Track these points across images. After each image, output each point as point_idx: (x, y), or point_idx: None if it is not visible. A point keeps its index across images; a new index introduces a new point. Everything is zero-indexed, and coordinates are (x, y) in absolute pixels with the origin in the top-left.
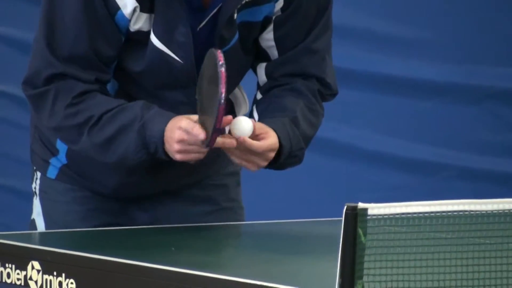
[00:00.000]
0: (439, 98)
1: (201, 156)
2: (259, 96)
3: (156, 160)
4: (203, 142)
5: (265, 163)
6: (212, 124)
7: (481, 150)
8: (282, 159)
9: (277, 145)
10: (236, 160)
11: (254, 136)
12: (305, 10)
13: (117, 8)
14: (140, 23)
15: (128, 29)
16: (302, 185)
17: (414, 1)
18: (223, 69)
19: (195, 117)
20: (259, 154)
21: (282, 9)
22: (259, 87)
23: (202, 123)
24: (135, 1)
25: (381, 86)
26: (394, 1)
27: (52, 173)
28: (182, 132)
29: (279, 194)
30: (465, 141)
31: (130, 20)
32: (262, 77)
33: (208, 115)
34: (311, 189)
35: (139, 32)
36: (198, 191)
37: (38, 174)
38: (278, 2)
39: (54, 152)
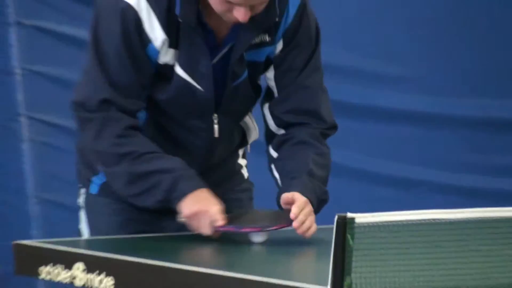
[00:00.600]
0: (417, 125)
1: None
2: (273, 153)
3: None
4: (214, 226)
5: (309, 218)
6: (239, 224)
7: (452, 168)
8: (315, 208)
9: (304, 202)
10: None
11: (285, 205)
12: (299, 51)
13: (149, 40)
14: (167, 57)
15: (157, 62)
16: None
17: (395, 44)
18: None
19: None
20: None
21: (281, 50)
22: (268, 140)
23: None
24: (164, 35)
25: (368, 115)
26: (378, 44)
27: (94, 189)
28: (207, 213)
29: None
30: (439, 161)
31: (159, 53)
32: (268, 117)
33: (239, 220)
34: None
35: (166, 66)
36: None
37: (83, 190)
38: (278, 44)
39: (95, 172)
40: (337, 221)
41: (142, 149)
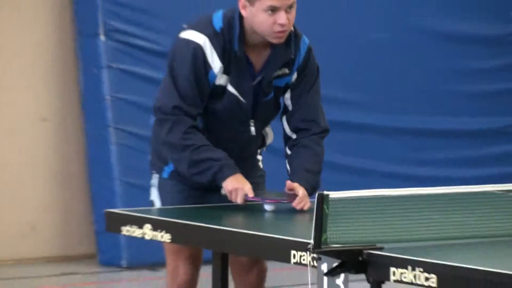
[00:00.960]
0: (368, 135)
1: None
2: (288, 151)
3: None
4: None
5: (305, 199)
6: (264, 197)
7: (397, 162)
8: (309, 192)
9: (303, 190)
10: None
11: (289, 190)
12: (306, 81)
13: (210, 68)
14: (221, 80)
15: (214, 83)
16: None
17: (358, 78)
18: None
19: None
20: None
21: (295, 79)
22: (286, 143)
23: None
24: (221, 64)
25: (342, 127)
26: (347, 79)
27: (165, 174)
28: (240, 193)
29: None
30: (389, 157)
31: (216, 77)
32: (285, 125)
33: (262, 195)
34: None
35: (220, 86)
36: None
37: (156, 175)
38: (293, 75)
39: (166, 162)
40: (317, 197)
41: (199, 143)
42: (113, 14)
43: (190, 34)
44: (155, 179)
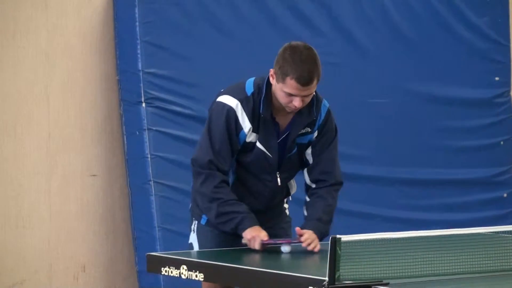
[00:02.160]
0: (371, 185)
1: (256, 247)
2: (307, 199)
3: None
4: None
5: (314, 241)
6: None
7: (393, 207)
8: (319, 237)
9: (310, 233)
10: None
11: (299, 235)
12: (326, 138)
13: (241, 128)
14: (251, 138)
15: (244, 141)
16: None
17: (360, 137)
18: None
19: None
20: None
21: (316, 137)
22: (306, 191)
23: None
24: (250, 125)
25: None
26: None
27: (203, 221)
28: (257, 241)
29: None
30: (386, 203)
31: (246, 135)
32: (306, 176)
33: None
34: None
35: (250, 143)
36: (271, 231)
37: (196, 222)
38: (315, 134)
39: (202, 213)
40: (331, 240)
41: (227, 197)
42: (153, 85)
43: (225, 98)
44: (194, 225)
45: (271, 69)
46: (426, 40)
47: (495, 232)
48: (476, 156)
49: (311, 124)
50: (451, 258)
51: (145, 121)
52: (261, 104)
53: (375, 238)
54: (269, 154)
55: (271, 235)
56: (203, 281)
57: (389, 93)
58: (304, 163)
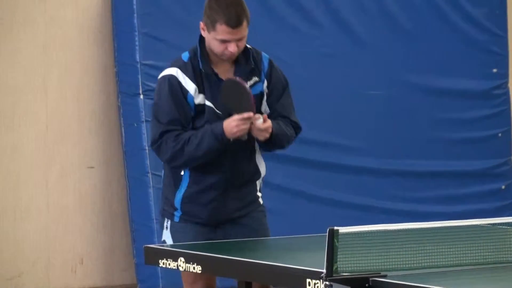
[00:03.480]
0: (368, 176)
1: (246, 128)
2: None
3: (223, 147)
4: (245, 119)
5: (268, 134)
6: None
7: (388, 198)
8: (273, 134)
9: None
10: (256, 134)
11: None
12: (278, 87)
13: (186, 92)
14: (199, 99)
15: (194, 104)
16: (305, 216)
17: (357, 129)
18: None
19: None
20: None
21: (267, 87)
22: None
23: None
24: (194, 85)
25: (341, 169)
26: (347, 130)
27: (176, 219)
28: (235, 119)
29: (288, 222)
30: (381, 194)
31: (194, 97)
32: None
33: (242, 110)
34: (310, 217)
35: (199, 105)
36: (244, 220)
37: (168, 220)
38: (264, 83)
39: (176, 208)
40: (328, 231)
41: (187, 136)
42: (150, 77)
43: (164, 72)
44: (167, 222)
45: (201, 22)
46: (424, 31)
47: (493, 224)
48: (473, 148)
49: (256, 73)
50: (449, 250)
51: (143, 113)
52: (199, 62)
53: (372, 230)
54: (218, 110)
55: (244, 225)
56: (200, 272)
57: (386, 84)
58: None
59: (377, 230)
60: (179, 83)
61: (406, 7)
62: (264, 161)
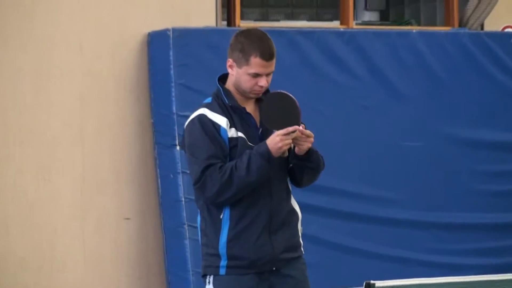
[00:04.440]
0: (404, 229)
1: (290, 142)
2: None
3: (271, 167)
4: (290, 133)
5: (310, 143)
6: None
7: (421, 249)
8: (312, 151)
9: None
10: (300, 144)
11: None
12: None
13: (219, 126)
14: (231, 132)
15: (228, 138)
16: (340, 268)
17: (387, 181)
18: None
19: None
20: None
21: None
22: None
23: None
24: (225, 120)
25: (373, 221)
26: (377, 181)
27: (222, 271)
28: (278, 134)
29: (323, 274)
30: (414, 245)
31: (227, 131)
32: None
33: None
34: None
35: (232, 139)
36: (288, 271)
37: (211, 276)
38: None
39: (220, 258)
40: (365, 285)
41: (231, 165)
42: None
43: (190, 117)
44: (210, 279)
45: (229, 59)
46: (460, 83)
47: None
48: (510, 200)
49: None
50: None
51: (179, 164)
52: (224, 98)
53: (409, 283)
54: (250, 143)
55: (288, 276)
56: None
57: (423, 136)
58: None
59: (413, 283)
60: (210, 120)
61: (443, 58)
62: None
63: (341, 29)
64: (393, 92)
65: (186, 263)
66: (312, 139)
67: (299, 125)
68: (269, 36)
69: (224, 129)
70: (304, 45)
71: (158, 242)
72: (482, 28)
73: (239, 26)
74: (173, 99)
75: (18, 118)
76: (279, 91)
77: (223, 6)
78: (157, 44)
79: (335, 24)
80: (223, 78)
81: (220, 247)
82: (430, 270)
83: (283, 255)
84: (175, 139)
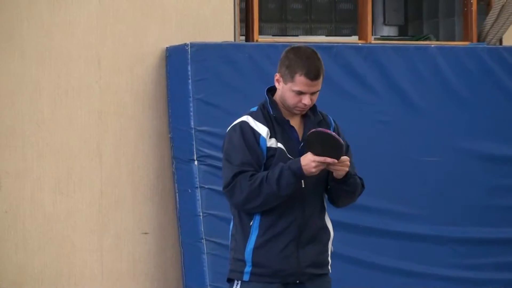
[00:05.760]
0: (423, 243)
1: (323, 167)
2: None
3: (300, 185)
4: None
5: (347, 168)
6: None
7: (444, 264)
8: (350, 174)
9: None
10: (336, 169)
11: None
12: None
13: (259, 134)
14: (271, 142)
15: (266, 147)
16: (361, 283)
17: (408, 196)
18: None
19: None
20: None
21: None
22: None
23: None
24: (266, 128)
25: (395, 235)
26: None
27: (246, 277)
28: (315, 160)
29: None
30: (438, 260)
31: (266, 140)
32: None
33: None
34: None
35: (271, 148)
36: (312, 285)
37: (238, 282)
38: None
39: (245, 264)
40: None
41: (263, 175)
42: (205, 142)
43: (234, 122)
44: (236, 285)
45: (277, 73)
46: (479, 98)
47: None
48: None
49: (324, 126)
50: None
51: (197, 179)
52: (269, 109)
53: None
54: (289, 155)
55: None
56: None
57: (441, 151)
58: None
59: None
60: (251, 128)
61: (461, 73)
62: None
63: (360, 44)
64: (411, 107)
65: (204, 277)
66: (348, 164)
67: (337, 160)
68: (319, 55)
69: (263, 138)
70: (322, 59)
71: (176, 256)
72: (500, 43)
73: (257, 41)
74: (191, 113)
75: (36, 132)
76: (316, 130)
77: (241, 21)
78: (176, 58)
79: (353, 39)
80: (272, 90)
81: (246, 253)
82: (448, 284)
83: (309, 269)
84: (193, 154)
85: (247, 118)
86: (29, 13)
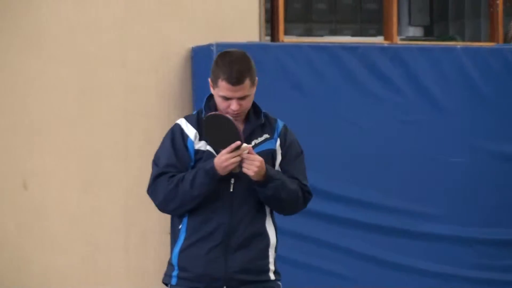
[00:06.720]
0: (447, 244)
1: (237, 160)
2: None
3: (215, 186)
4: (234, 150)
5: (255, 168)
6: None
7: (465, 265)
8: (268, 175)
9: (262, 162)
10: (245, 167)
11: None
12: (291, 150)
13: (187, 136)
14: (199, 145)
15: (194, 150)
16: (384, 284)
17: (431, 197)
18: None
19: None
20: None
21: (280, 146)
22: None
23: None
24: (195, 132)
25: (416, 236)
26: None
27: (174, 281)
28: (223, 152)
29: None
30: (460, 261)
31: (194, 142)
32: None
33: (230, 142)
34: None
35: (199, 150)
36: None
37: (168, 286)
38: (277, 142)
39: (173, 268)
40: None
41: (180, 176)
42: None
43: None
44: None
45: (209, 78)
46: (505, 98)
47: None
48: None
49: (268, 131)
50: None
51: None
52: (203, 111)
53: None
54: (214, 153)
55: None
56: None
57: (467, 151)
58: None
59: None
60: (182, 129)
61: (487, 74)
62: (336, 227)
63: (385, 45)
64: (437, 107)
65: None
66: (257, 164)
67: (241, 141)
68: (248, 59)
69: (191, 140)
70: (347, 60)
71: None
72: None
73: (282, 41)
74: None
75: (62, 132)
76: (214, 113)
77: (267, 21)
78: (201, 59)
79: (379, 40)
80: None
81: (173, 256)
82: (473, 286)
83: (239, 275)
84: None
85: (180, 121)
86: (55, 13)
